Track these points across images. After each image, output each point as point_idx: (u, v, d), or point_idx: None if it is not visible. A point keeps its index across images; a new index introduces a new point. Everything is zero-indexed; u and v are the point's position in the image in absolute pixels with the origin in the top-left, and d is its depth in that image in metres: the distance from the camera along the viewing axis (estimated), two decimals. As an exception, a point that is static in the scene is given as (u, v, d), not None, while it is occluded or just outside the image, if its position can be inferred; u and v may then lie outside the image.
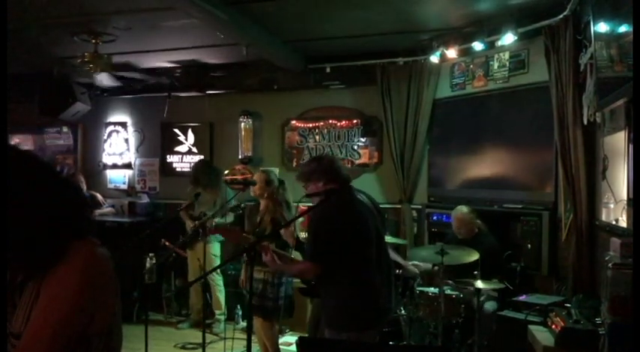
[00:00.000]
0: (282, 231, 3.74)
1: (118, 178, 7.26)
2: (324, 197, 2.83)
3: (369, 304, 2.75)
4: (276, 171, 4.51)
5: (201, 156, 6.73)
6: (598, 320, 2.86)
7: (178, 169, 6.93)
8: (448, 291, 4.09)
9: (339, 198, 2.82)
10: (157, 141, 7.06)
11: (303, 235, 3.96)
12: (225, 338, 4.78)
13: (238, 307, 5.70)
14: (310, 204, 3.08)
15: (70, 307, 1.20)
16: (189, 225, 5.52)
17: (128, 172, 7.21)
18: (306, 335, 4.71)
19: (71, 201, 1.32)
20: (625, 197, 3.03)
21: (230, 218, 5.54)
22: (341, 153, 6.17)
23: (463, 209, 4.52)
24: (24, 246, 1.23)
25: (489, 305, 4.13)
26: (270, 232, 4.03)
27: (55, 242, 1.24)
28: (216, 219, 5.34)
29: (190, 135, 6.90)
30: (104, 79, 6.39)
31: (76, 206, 1.33)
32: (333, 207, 2.78)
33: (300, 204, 4.19)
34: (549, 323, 3.18)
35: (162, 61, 6.05)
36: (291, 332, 5.20)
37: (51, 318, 1.18)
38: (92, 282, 1.23)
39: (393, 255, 4.52)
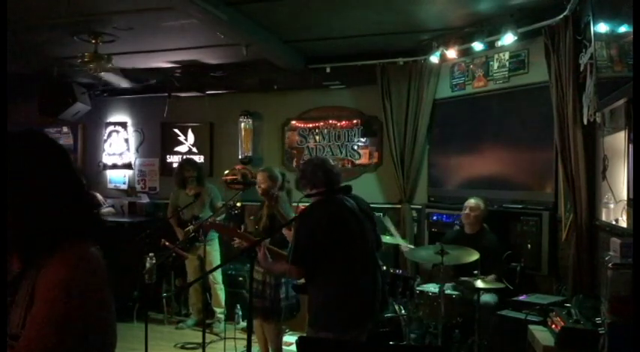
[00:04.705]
0: (285, 232, 3.75)
1: (118, 178, 7.26)
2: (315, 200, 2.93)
3: (348, 305, 2.75)
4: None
5: (201, 156, 6.73)
6: (598, 320, 2.86)
7: (178, 169, 6.93)
8: (448, 291, 4.09)
9: (320, 202, 2.89)
10: (156, 141, 7.06)
11: None
12: (225, 338, 4.78)
13: (238, 307, 5.70)
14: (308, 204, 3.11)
15: (69, 304, 1.19)
16: (180, 233, 5.49)
17: (128, 172, 7.20)
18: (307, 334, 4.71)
19: (80, 201, 1.35)
20: (625, 197, 3.03)
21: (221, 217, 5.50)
22: (341, 153, 6.17)
23: (480, 201, 4.51)
24: (24, 229, 1.24)
25: (489, 298, 4.13)
26: (267, 229, 4.06)
27: (53, 233, 1.26)
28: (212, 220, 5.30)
29: (190, 135, 6.90)
30: (111, 77, 6.37)
31: (84, 207, 1.36)
32: (314, 210, 2.87)
33: (300, 204, 4.20)
34: (549, 323, 3.18)
35: (162, 61, 6.05)
36: (291, 332, 5.19)
37: (52, 316, 1.18)
38: (87, 280, 1.24)
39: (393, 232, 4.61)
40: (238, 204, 4.77)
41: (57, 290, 1.19)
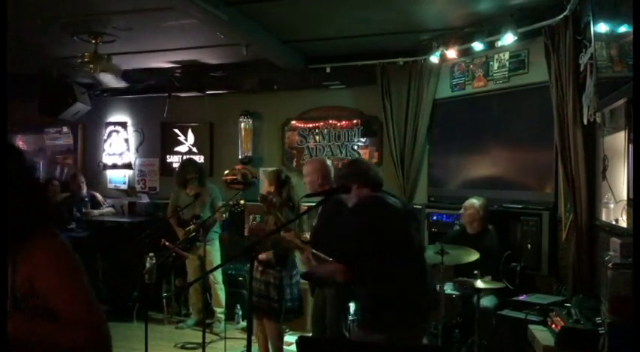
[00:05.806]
0: (283, 234, 3.74)
1: (118, 178, 7.26)
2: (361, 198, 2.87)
3: (397, 305, 2.69)
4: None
5: (201, 156, 6.73)
6: (598, 320, 2.86)
7: (178, 169, 6.91)
8: (448, 291, 4.09)
9: (368, 202, 2.84)
10: (156, 141, 7.06)
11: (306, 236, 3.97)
12: (225, 338, 4.78)
13: (238, 307, 5.70)
14: (309, 204, 3.09)
15: (69, 264, 1.54)
16: (181, 233, 5.49)
17: (128, 172, 7.20)
18: (307, 334, 4.72)
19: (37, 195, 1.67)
20: (625, 197, 3.03)
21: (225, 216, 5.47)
22: (341, 153, 6.17)
23: (477, 200, 4.50)
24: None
25: (488, 301, 4.12)
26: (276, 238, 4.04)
27: (28, 218, 1.56)
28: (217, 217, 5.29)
29: (190, 135, 6.90)
30: (109, 80, 6.41)
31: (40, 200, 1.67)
32: (363, 209, 2.81)
33: (302, 205, 4.18)
34: (549, 323, 3.19)
35: (162, 61, 6.05)
36: (291, 332, 5.19)
37: (64, 276, 1.51)
38: (67, 248, 1.59)
39: None
40: (242, 202, 4.77)
41: (56, 256, 1.54)
